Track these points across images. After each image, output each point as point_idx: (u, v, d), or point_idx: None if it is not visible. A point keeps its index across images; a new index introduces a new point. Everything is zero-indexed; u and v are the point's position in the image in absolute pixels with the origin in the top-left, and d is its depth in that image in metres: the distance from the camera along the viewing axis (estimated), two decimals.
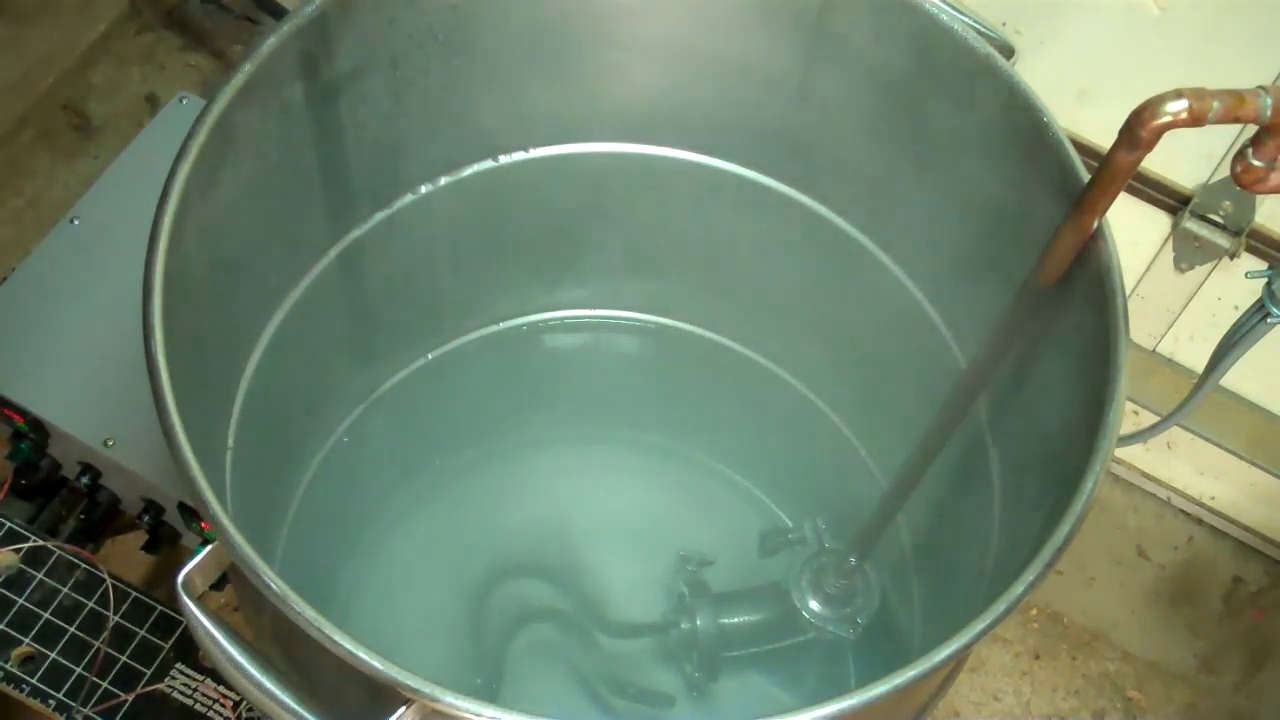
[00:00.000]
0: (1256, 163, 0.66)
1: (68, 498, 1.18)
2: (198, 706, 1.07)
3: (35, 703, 1.06)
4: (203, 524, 1.11)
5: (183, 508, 1.12)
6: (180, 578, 0.70)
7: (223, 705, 1.08)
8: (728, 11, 0.93)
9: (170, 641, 1.09)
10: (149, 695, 1.07)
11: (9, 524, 1.13)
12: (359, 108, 0.91)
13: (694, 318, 1.22)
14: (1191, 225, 1.20)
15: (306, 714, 0.68)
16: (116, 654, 1.08)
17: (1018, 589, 0.67)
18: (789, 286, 1.12)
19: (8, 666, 1.06)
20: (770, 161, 1.04)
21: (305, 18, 0.82)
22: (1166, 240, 1.25)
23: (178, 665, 1.08)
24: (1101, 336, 0.75)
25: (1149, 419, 1.17)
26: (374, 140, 0.95)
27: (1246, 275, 0.83)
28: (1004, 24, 1.15)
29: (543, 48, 0.96)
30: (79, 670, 1.07)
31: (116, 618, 1.09)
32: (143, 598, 1.11)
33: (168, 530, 1.17)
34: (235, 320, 0.91)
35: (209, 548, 0.70)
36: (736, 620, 1.12)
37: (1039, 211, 0.82)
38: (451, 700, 0.61)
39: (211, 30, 1.71)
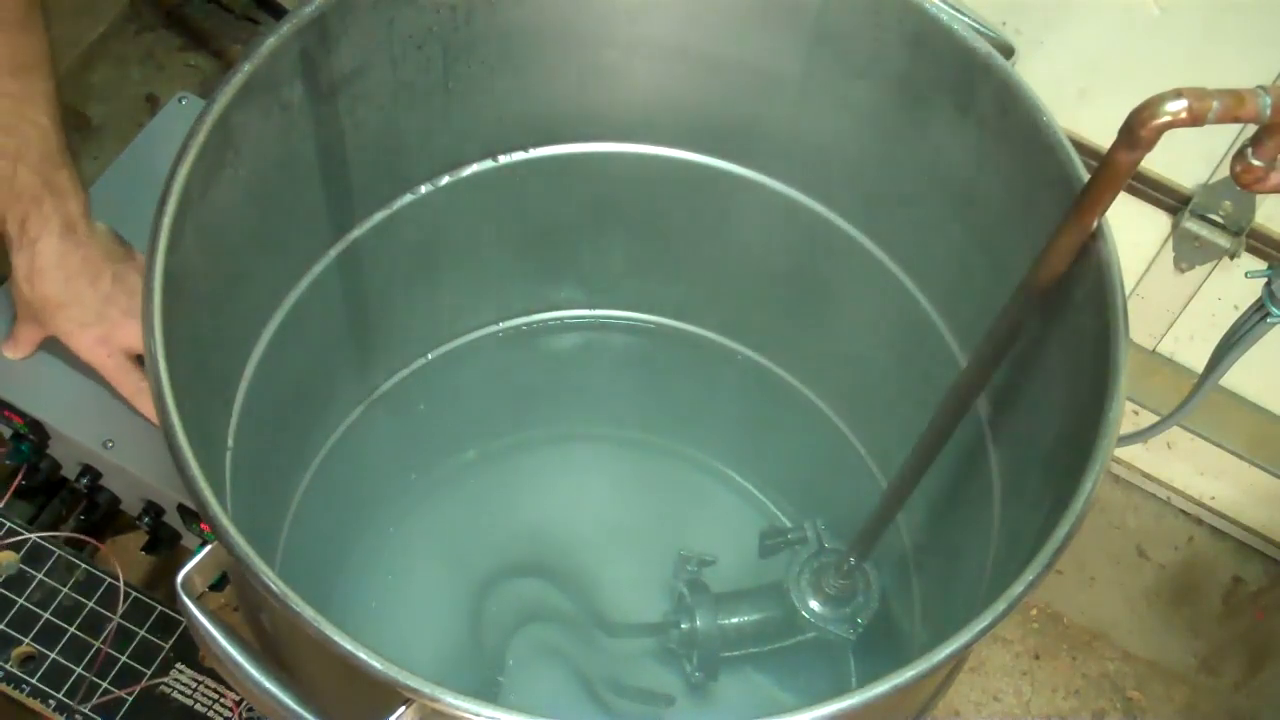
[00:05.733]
0: (1256, 162, 0.66)
1: (68, 498, 1.18)
2: (198, 706, 1.07)
3: (35, 703, 1.06)
4: (203, 525, 1.11)
5: (183, 509, 1.12)
6: (180, 578, 0.70)
7: (223, 705, 1.08)
8: (727, 11, 0.93)
9: (170, 641, 1.09)
10: (149, 695, 1.07)
11: (9, 524, 1.13)
12: (359, 108, 0.91)
13: (694, 318, 1.22)
14: (1191, 225, 1.20)
15: (306, 714, 0.68)
16: (117, 654, 1.08)
17: (1017, 589, 0.67)
18: (789, 286, 1.12)
19: (8, 666, 1.06)
20: (770, 161, 1.04)
21: (305, 18, 0.82)
22: (1166, 240, 1.25)
23: (178, 665, 1.09)
24: (1101, 336, 0.75)
25: (1149, 419, 1.17)
26: (374, 140, 0.95)
27: (1246, 275, 0.83)
28: (1004, 23, 1.15)
29: (542, 48, 0.96)
30: (79, 670, 1.07)
31: (117, 618, 1.09)
32: (143, 598, 1.11)
33: (168, 531, 1.17)
34: (235, 320, 0.91)
35: (209, 548, 0.70)
36: (736, 620, 1.12)
37: (1039, 211, 0.82)
38: (451, 700, 0.61)
39: (211, 30, 1.71)
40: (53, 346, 1.07)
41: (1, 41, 0.91)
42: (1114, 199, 0.69)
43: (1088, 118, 1.13)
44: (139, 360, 1.05)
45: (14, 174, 0.95)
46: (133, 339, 1.03)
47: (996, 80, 0.83)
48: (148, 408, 1.05)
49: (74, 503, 1.18)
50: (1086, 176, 0.74)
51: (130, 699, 1.07)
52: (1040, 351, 0.84)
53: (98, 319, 1.01)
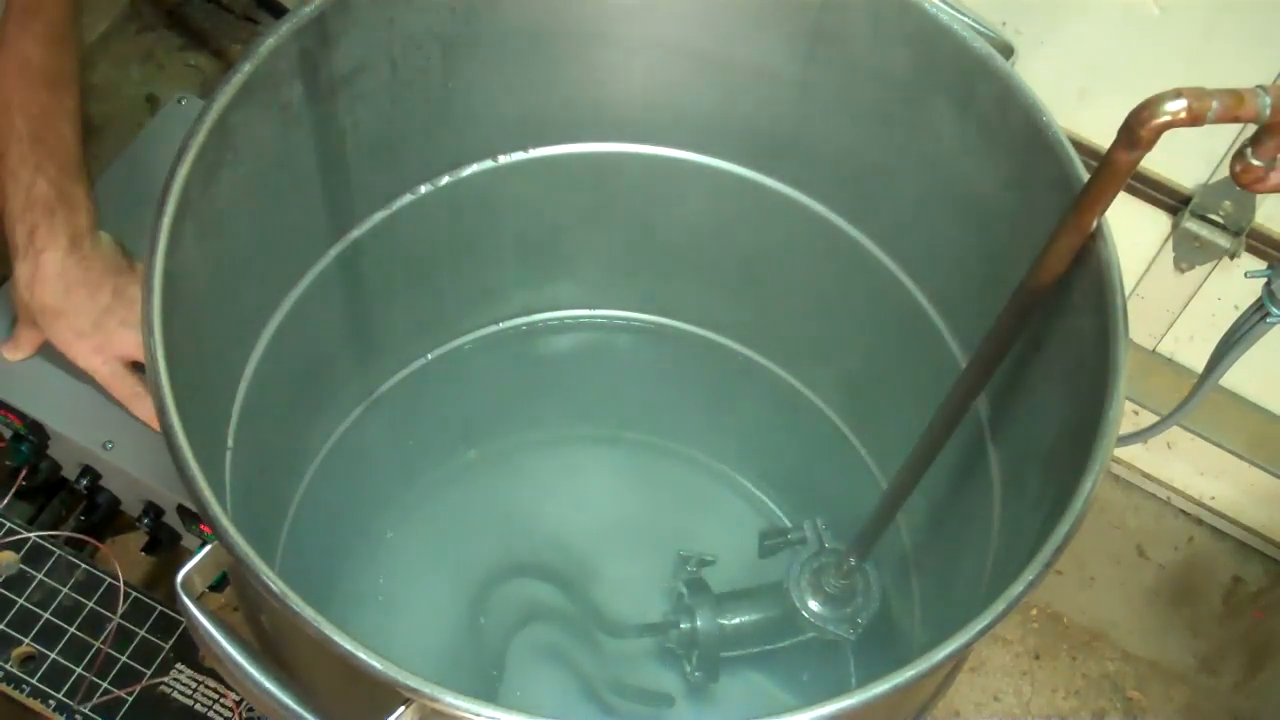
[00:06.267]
0: (1256, 162, 0.66)
1: (68, 499, 1.18)
2: (198, 706, 1.07)
3: (35, 703, 1.06)
4: (203, 526, 1.11)
5: (182, 510, 1.12)
6: (179, 578, 0.70)
7: (223, 705, 1.08)
8: (727, 11, 0.93)
9: (170, 641, 1.09)
10: (149, 695, 1.07)
11: (9, 524, 1.13)
12: (358, 108, 0.91)
13: (694, 318, 1.22)
14: (1191, 225, 1.20)
15: (306, 714, 0.68)
16: (117, 654, 1.08)
17: (1017, 588, 0.67)
18: (788, 286, 1.12)
19: (8, 666, 1.06)
20: (770, 161, 1.04)
21: (305, 18, 0.82)
22: (1166, 240, 1.25)
23: (178, 665, 1.09)
24: (1101, 336, 0.75)
25: (1149, 419, 1.17)
26: (374, 140, 0.95)
27: (1246, 275, 0.83)
28: (1004, 23, 1.15)
29: (542, 48, 0.96)
30: (79, 670, 1.07)
31: (117, 618, 1.09)
32: (143, 598, 1.11)
33: (168, 531, 1.17)
34: (235, 320, 0.91)
35: (208, 548, 0.70)
36: (736, 620, 1.12)
37: (1038, 211, 0.82)
38: (451, 700, 0.62)
39: (211, 30, 1.71)
40: (52, 349, 1.07)
41: (42, 54, 0.93)
42: (1113, 199, 0.69)
43: (1088, 118, 1.13)
44: (135, 367, 1.05)
45: (33, 183, 0.97)
46: (129, 347, 1.03)
47: (996, 80, 0.83)
48: (143, 412, 1.06)
49: (74, 503, 1.18)
50: (1086, 176, 0.74)
51: (130, 699, 1.07)
52: (1040, 351, 0.84)
53: (94, 329, 1.02)
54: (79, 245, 1.00)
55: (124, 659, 1.08)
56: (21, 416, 1.10)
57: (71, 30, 0.95)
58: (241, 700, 1.08)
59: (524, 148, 1.04)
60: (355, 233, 1.00)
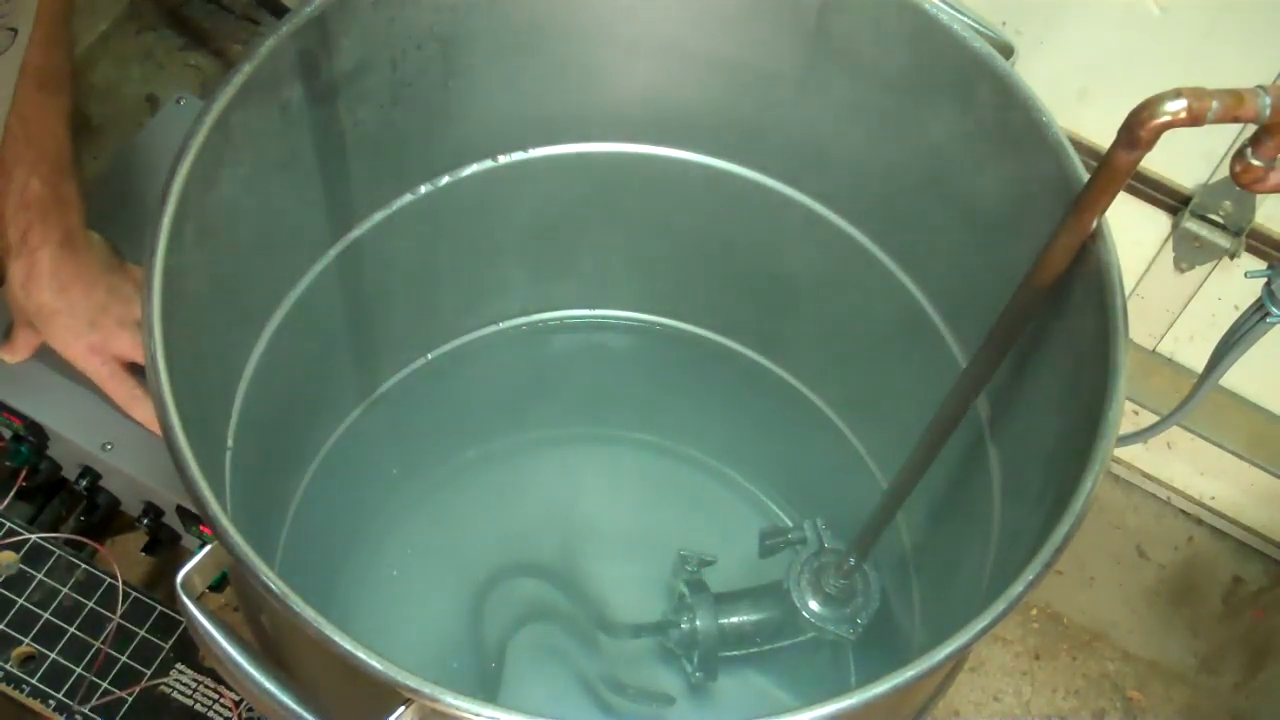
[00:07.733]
0: (1255, 162, 0.66)
1: (67, 499, 1.18)
2: (198, 706, 1.07)
3: (35, 703, 1.06)
4: (202, 527, 1.11)
5: (182, 510, 1.12)
6: (179, 578, 0.70)
7: (223, 705, 1.08)
8: (728, 11, 0.93)
9: (170, 641, 1.09)
10: (149, 695, 1.07)
11: (9, 524, 1.13)
12: (359, 108, 0.91)
13: (693, 318, 1.22)
14: (1191, 225, 1.20)
15: (306, 714, 0.68)
16: (117, 654, 1.08)
17: (1017, 588, 0.67)
18: (789, 286, 1.12)
19: (8, 666, 1.06)
20: (770, 161, 1.04)
21: (305, 18, 0.82)
22: (1166, 240, 1.25)
23: (178, 665, 1.09)
24: (1101, 336, 0.75)
25: (1149, 419, 1.17)
26: (374, 140, 0.95)
27: (1246, 275, 0.83)
28: (1004, 23, 1.15)
29: (543, 48, 0.96)
30: (79, 670, 1.07)
31: (117, 618, 1.09)
32: (143, 598, 1.11)
33: (167, 532, 1.17)
34: (235, 320, 0.91)
35: (208, 548, 0.70)
36: (736, 620, 1.12)
37: (1038, 211, 0.82)
38: (451, 700, 0.62)
39: (211, 30, 1.71)
40: (51, 351, 1.07)
41: (35, 55, 0.93)
42: (1113, 199, 0.69)
43: (1088, 118, 1.13)
44: (132, 368, 1.05)
45: (27, 183, 0.96)
46: (126, 347, 1.03)
47: (996, 80, 0.83)
48: (141, 415, 1.06)
49: (74, 504, 1.18)
50: (1086, 176, 0.74)
51: (130, 699, 1.07)
52: (1040, 351, 0.84)
53: (91, 327, 1.02)
54: (72, 242, 1.00)
55: (124, 659, 1.08)
56: (21, 417, 1.10)
57: (65, 30, 0.95)
58: (241, 700, 1.08)
59: (524, 148, 1.04)
60: (355, 233, 1.00)
